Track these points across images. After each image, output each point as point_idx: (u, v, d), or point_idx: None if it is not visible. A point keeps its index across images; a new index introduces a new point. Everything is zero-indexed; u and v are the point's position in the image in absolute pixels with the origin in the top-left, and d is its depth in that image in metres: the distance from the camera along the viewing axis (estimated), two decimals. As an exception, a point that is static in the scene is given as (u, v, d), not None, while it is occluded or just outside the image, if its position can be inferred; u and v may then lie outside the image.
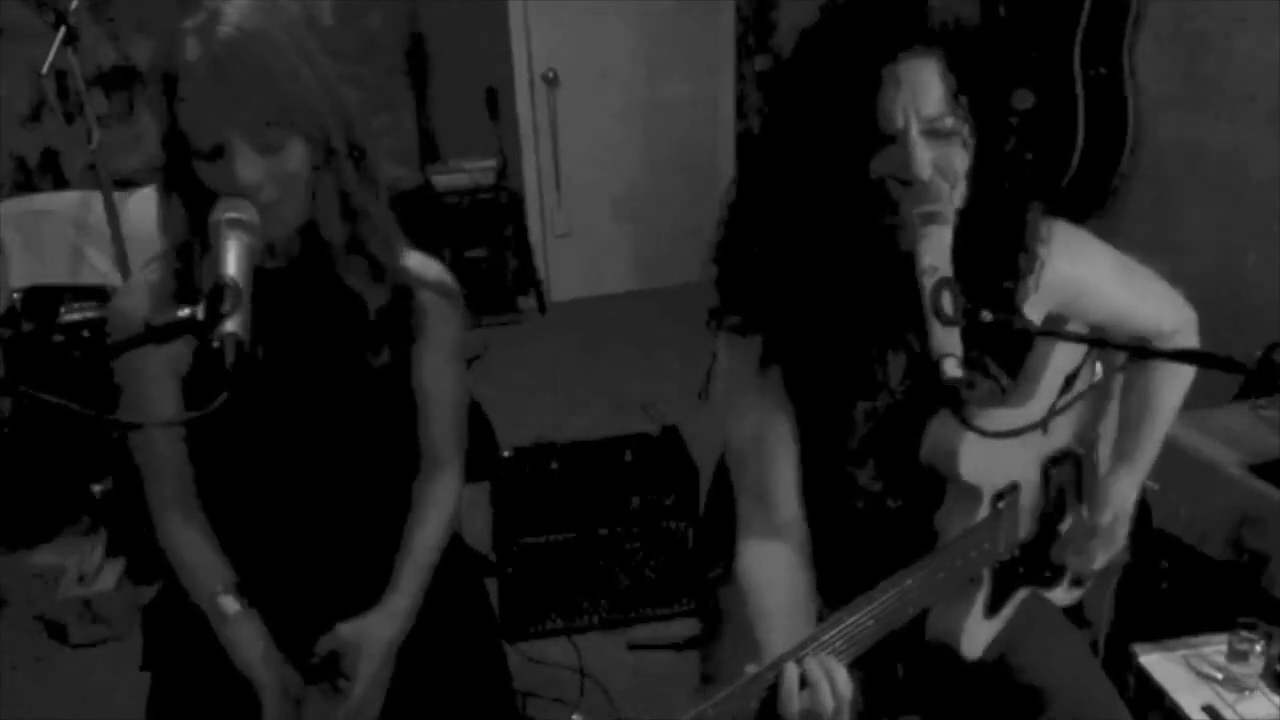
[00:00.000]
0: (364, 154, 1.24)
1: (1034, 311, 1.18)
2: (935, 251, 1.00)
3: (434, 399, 1.40)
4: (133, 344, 1.05)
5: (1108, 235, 1.27)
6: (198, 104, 1.11)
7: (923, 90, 1.02)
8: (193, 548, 1.35)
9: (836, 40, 1.06)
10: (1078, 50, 2.84)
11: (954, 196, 1.06)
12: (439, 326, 1.37)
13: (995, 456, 1.19)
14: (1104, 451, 1.42)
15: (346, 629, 1.29)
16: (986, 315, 1.00)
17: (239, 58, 1.10)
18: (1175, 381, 1.35)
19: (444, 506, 1.42)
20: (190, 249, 1.23)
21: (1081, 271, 1.22)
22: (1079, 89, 2.86)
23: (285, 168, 1.15)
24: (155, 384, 1.26)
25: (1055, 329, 1.20)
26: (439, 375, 1.39)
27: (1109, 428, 1.41)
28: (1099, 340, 1.22)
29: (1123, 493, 1.35)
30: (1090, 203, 2.98)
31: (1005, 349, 1.22)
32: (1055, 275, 1.18)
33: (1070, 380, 1.28)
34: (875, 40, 1.03)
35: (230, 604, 1.31)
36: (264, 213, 1.13)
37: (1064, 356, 1.25)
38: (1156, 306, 1.32)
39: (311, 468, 1.33)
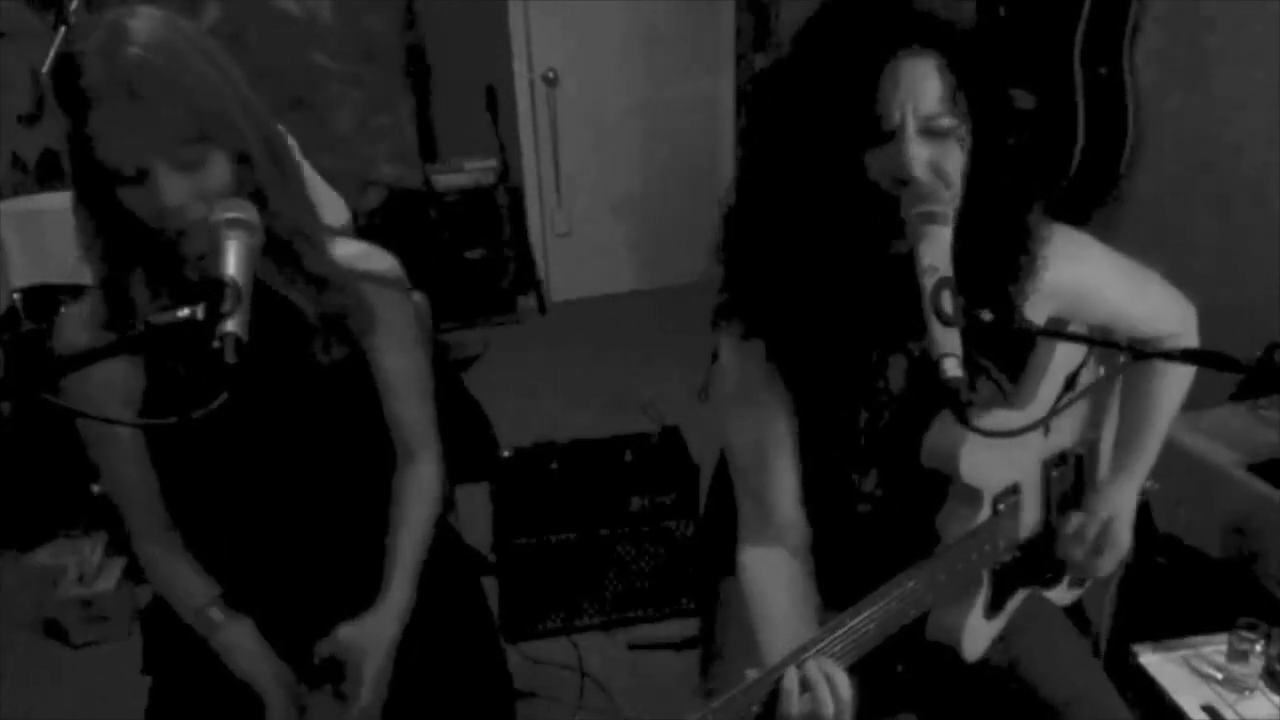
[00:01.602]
0: (281, 156, 1.21)
1: (1036, 315, 1.18)
2: (935, 251, 1.00)
3: (397, 389, 1.38)
4: (132, 345, 1.05)
5: (1108, 235, 1.27)
6: (113, 128, 1.07)
7: (920, 87, 1.02)
8: (173, 569, 1.35)
9: (835, 37, 1.06)
10: (1078, 50, 2.84)
11: (951, 196, 1.06)
12: (390, 316, 1.33)
13: (996, 458, 1.19)
14: (1105, 451, 1.42)
15: (345, 632, 1.29)
16: (986, 315, 0.99)
17: (151, 76, 1.06)
18: (1174, 382, 1.35)
19: (425, 496, 1.41)
20: (117, 277, 1.19)
21: (1082, 275, 1.22)
22: (1079, 89, 2.86)
23: (208, 183, 1.11)
24: (109, 415, 1.21)
25: (1055, 329, 1.19)
26: (398, 364, 1.36)
27: (1110, 429, 1.41)
28: (1099, 341, 1.22)
29: (1118, 495, 1.35)
30: (1091, 203, 2.98)
31: (1006, 352, 1.22)
32: (1057, 279, 1.18)
33: (1071, 382, 1.28)
34: (874, 37, 1.03)
35: (217, 614, 1.31)
36: (191, 230, 1.11)
37: (1065, 358, 1.25)
38: (1157, 309, 1.32)
39: (283, 473, 1.32)
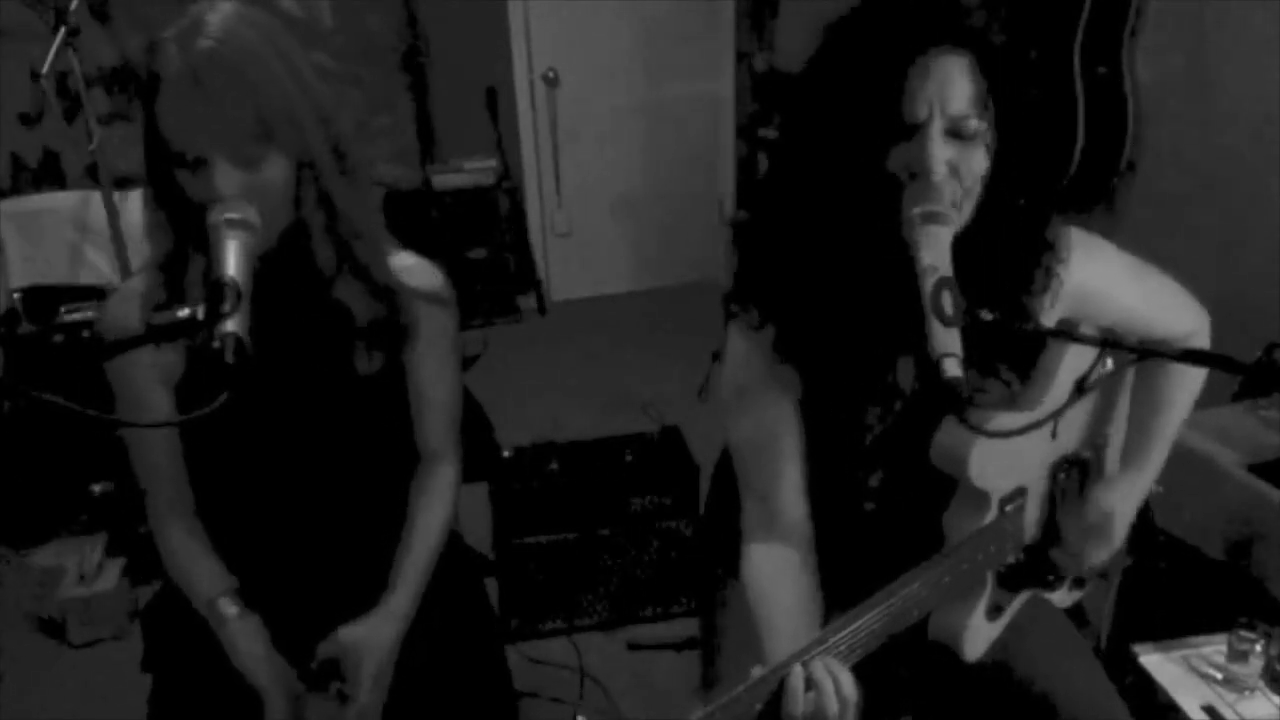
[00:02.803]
0: (349, 162, 1.22)
1: (1047, 317, 1.18)
2: (935, 251, 1.00)
3: (430, 401, 1.40)
4: (133, 344, 1.05)
5: (1109, 235, 1.27)
6: (177, 116, 1.09)
7: (950, 85, 1.01)
8: (192, 556, 1.35)
9: (868, 30, 1.05)
10: (1078, 50, 2.84)
11: (967, 201, 1.06)
12: (434, 331, 1.35)
13: (1004, 461, 1.19)
14: (1112, 455, 1.42)
15: (346, 633, 1.29)
16: (986, 315, 0.99)
17: (218, 70, 1.08)
18: (1185, 383, 1.34)
19: (442, 506, 1.42)
20: (177, 257, 1.21)
21: (1094, 276, 1.21)
22: (1079, 89, 2.86)
23: (265, 180, 1.13)
24: (148, 394, 1.26)
25: (1061, 330, 1.19)
26: (436, 378, 1.38)
27: (1118, 431, 1.41)
28: (1107, 342, 1.21)
29: (1122, 492, 1.34)
30: (1090, 202, 2.98)
31: (1016, 353, 1.22)
32: (1068, 281, 1.18)
33: (1081, 384, 1.27)
34: (907, 31, 1.02)
35: (229, 607, 1.31)
36: None
37: (1075, 361, 1.24)
38: (1169, 311, 1.31)
39: (306, 471, 1.33)
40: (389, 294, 1.30)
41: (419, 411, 1.40)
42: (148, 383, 1.26)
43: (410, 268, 1.34)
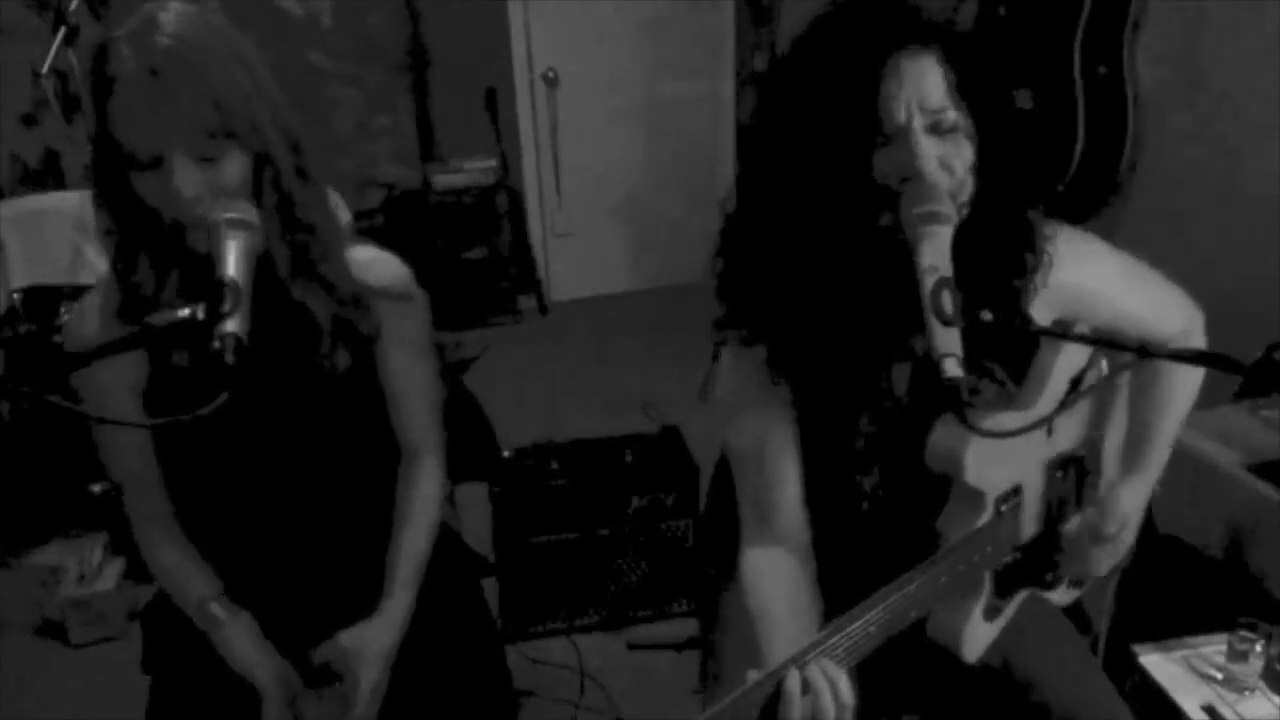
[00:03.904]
0: (305, 160, 1.21)
1: (1041, 317, 1.17)
2: (935, 251, 1.00)
3: (403, 397, 1.38)
4: (130, 345, 1.05)
5: (1109, 235, 1.27)
6: (135, 115, 1.08)
7: (923, 83, 1.02)
8: (177, 562, 1.35)
9: (834, 39, 1.05)
10: (1078, 50, 2.84)
11: (959, 194, 1.06)
12: (399, 326, 1.34)
13: (999, 460, 1.19)
14: (1108, 453, 1.42)
15: (345, 637, 1.29)
16: (987, 315, 0.99)
17: (178, 68, 1.07)
18: (1183, 384, 1.34)
19: (428, 503, 1.41)
20: (131, 264, 1.20)
21: (1087, 275, 1.21)
22: (1079, 89, 2.86)
23: (224, 179, 1.12)
24: (117, 401, 1.25)
25: (1057, 329, 1.19)
26: (407, 373, 1.37)
27: (1113, 430, 1.41)
28: (1102, 340, 1.21)
29: (1132, 500, 1.34)
30: (1091, 203, 2.98)
31: (1011, 354, 1.22)
32: (1061, 281, 1.18)
33: (1076, 383, 1.27)
34: (872, 37, 1.02)
35: (219, 610, 1.31)
36: (198, 225, 1.10)
37: (1069, 361, 1.24)
38: (1162, 310, 1.31)
39: (285, 474, 1.32)
40: (347, 294, 1.28)
41: (395, 407, 1.38)
42: (116, 389, 1.24)
43: (370, 263, 1.32)
